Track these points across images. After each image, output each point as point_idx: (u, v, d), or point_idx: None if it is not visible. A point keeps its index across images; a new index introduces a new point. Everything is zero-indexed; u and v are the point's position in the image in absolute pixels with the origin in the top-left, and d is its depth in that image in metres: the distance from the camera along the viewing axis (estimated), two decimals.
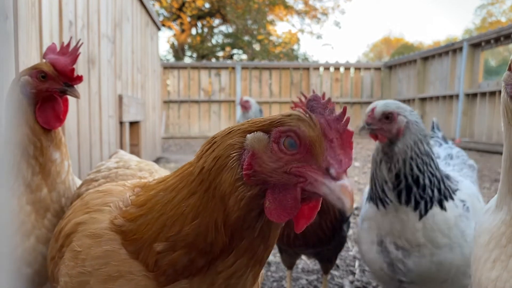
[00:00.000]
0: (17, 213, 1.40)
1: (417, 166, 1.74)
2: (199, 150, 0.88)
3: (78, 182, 1.67)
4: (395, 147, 1.76)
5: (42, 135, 1.49)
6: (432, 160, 1.79)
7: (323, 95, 1.91)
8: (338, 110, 0.83)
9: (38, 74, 1.50)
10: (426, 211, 1.76)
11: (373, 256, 1.92)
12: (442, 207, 1.78)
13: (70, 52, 1.56)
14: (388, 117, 1.75)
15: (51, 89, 1.51)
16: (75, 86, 1.55)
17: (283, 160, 0.78)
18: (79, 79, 1.55)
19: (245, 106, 5.28)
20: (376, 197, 1.84)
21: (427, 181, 1.75)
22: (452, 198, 1.82)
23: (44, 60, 1.56)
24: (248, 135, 0.82)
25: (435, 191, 1.78)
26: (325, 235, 2.04)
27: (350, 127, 0.81)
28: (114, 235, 0.88)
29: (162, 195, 0.87)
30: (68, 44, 1.57)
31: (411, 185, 1.74)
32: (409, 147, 1.75)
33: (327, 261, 2.25)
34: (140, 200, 0.91)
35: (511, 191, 1.27)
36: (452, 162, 2.29)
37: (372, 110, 1.80)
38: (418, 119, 1.82)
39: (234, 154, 0.81)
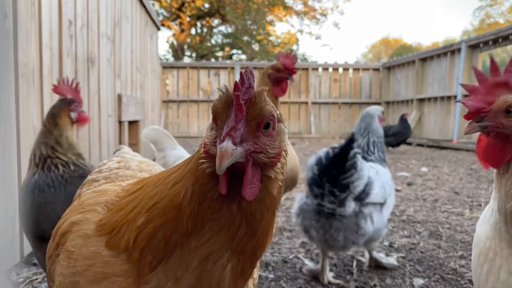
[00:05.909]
0: None
1: None
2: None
3: None
4: None
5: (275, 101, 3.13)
6: None
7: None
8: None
9: (275, 68, 3.17)
10: None
11: None
12: None
13: (292, 57, 3.19)
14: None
15: (282, 76, 3.17)
16: (293, 75, 3.19)
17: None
18: (295, 72, 3.22)
19: None
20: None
21: None
22: None
23: (276, 61, 3.24)
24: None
25: None
26: None
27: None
28: (100, 236, 0.92)
29: (158, 176, 0.95)
30: (290, 53, 3.24)
31: None
32: None
33: None
34: (137, 186, 0.98)
35: (497, 188, 1.29)
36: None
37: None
38: None
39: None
